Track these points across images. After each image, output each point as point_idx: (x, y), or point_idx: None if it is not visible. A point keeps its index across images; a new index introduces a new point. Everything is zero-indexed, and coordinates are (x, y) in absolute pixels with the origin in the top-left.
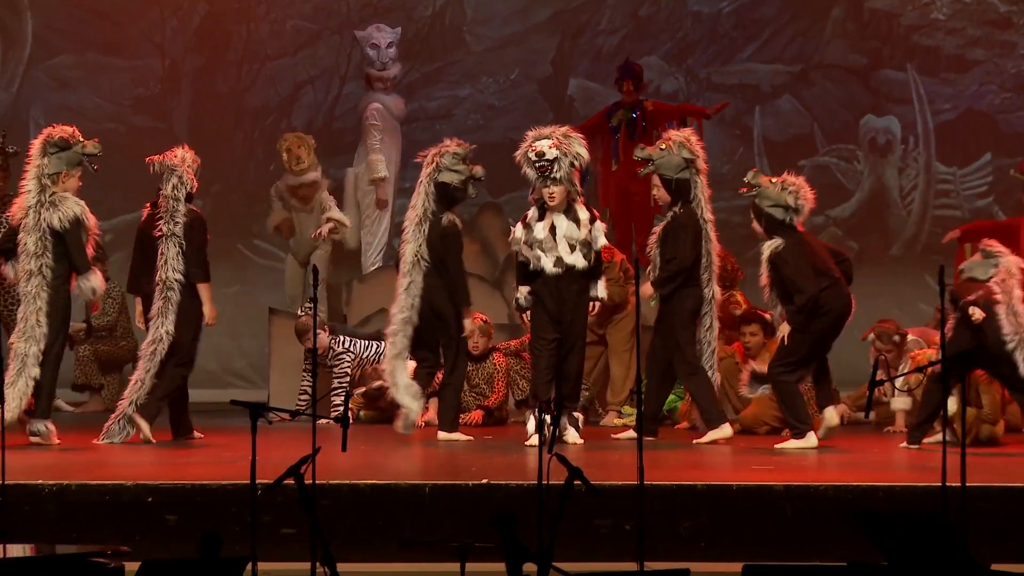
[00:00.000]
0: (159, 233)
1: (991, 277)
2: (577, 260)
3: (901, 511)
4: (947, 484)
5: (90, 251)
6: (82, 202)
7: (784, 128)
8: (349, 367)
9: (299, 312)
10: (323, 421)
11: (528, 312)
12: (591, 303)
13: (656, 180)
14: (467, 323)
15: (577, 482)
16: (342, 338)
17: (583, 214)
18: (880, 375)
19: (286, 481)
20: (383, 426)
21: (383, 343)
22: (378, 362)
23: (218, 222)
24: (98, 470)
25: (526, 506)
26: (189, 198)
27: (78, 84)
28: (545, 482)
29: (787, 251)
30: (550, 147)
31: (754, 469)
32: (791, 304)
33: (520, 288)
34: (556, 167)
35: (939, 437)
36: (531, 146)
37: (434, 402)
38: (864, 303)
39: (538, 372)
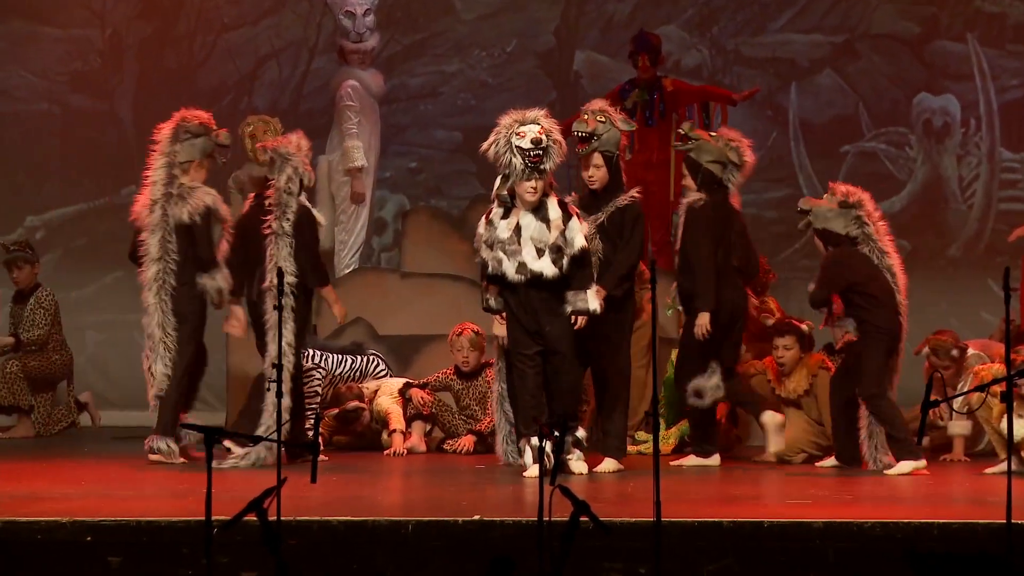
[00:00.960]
0: (268, 231)
1: None
2: (545, 267)
3: (959, 552)
4: (1012, 521)
5: (224, 248)
6: (213, 191)
7: (824, 108)
8: (320, 385)
9: None
10: (288, 449)
11: (500, 314)
12: (573, 317)
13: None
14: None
15: (584, 518)
16: (310, 352)
17: (554, 212)
18: (935, 395)
19: (246, 517)
20: (359, 453)
21: (359, 358)
22: (354, 379)
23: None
24: (29, 505)
25: (524, 547)
26: (301, 191)
27: (2, 58)
28: (547, 519)
29: (706, 210)
30: (540, 133)
31: (789, 503)
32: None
33: (489, 287)
34: (547, 158)
35: (1003, 467)
36: (518, 132)
37: (417, 426)
38: (918, 312)
39: (525, 394)
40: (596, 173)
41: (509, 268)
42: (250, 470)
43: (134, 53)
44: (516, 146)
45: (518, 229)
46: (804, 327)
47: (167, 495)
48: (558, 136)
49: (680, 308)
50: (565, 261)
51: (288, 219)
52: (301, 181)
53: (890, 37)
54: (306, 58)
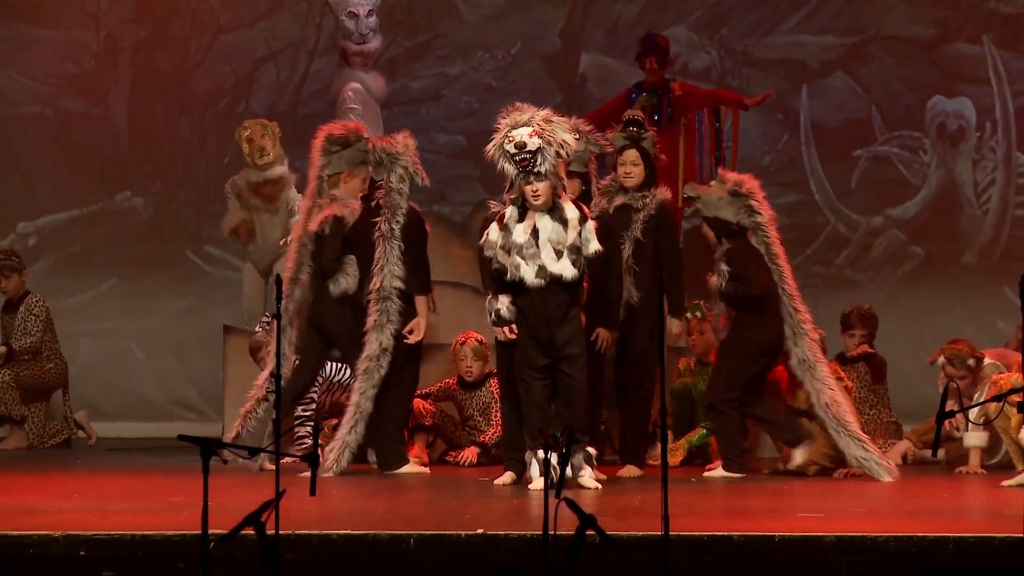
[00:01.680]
0: (378, 233)
1: None
2: (564, 269)
3: (976, 567)
4: None
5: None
6: (354, 203)
7: (836, 112)
8: (316, 394)
9: (256, 329)
10: (287, 459)
11: (510, 325)
12: (596, 332)
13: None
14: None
15: (590, 532)
16: None
17: (571, 212)
18: (950, 405)
19: (244, 531)
20: (359, 466)
21: None
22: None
23: (162, 226)
24: (21, 518)
25: (529, 561)
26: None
27: None
28: (552, 532)
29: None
30: (531, 135)
31: (800, 517)
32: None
33: (500, 297)
34: (539, 159)
35: (1021, 479)
36: (507, 136)
37: (419, 437)
38: (931, 320)
39: (531, 406)
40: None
41: (528, 272)
42: (232, 483)
43: (128, 56)
44: (506, 151)
45: (535, 232)
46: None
47: (163, 508)
48: (558, 136)
49: (697, 315)
50: (583, 263)
51: (398, 221)
52: (412, 181)
53: (904, 39)
54: (305, 60)
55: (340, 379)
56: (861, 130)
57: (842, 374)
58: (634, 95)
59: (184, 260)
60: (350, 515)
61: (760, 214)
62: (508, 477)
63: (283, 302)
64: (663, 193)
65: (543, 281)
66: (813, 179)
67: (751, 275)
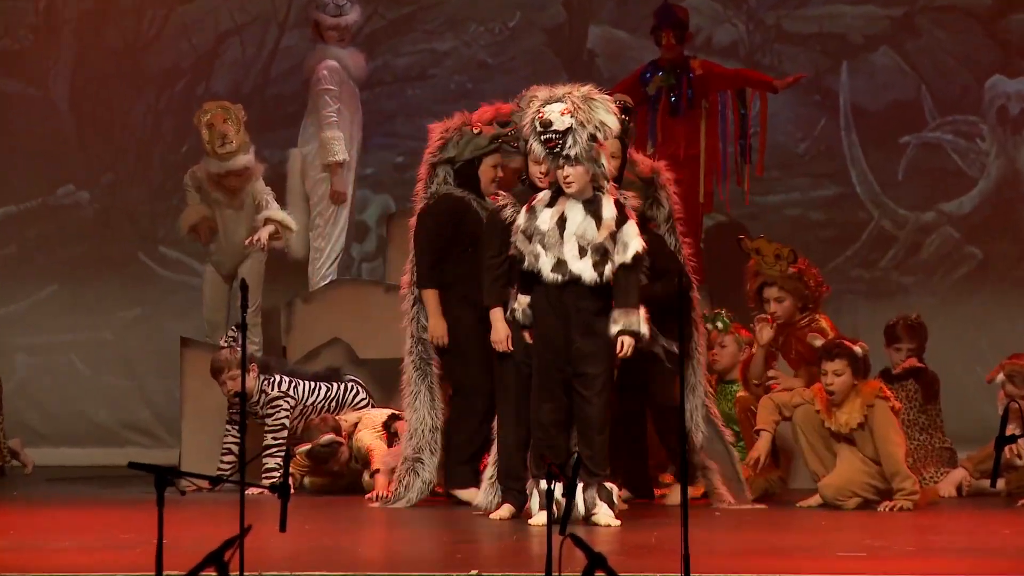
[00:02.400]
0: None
1: None
2: (584, 270)
3: None
4: None
5: None
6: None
7: (880, 92)
8: (287, 417)
9: (221, 343)
10: (254, 491)
11: (528, 329)
12: (618, 339)
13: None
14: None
15: (599, 573)
16: (277, 378)
17: (608, 210)
18: (1011, 429)
19: (204, 572)
20: (335, 497)
21: (336, 385)
22: (329, 409)
23: (111, 223)
24: None
25: None
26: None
27: None
28: (556, 574)
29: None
30: (562, 113)
31: (840, 556)
32: None
33: (520, 297)
34: (569, 142)
35: None
36: (538, 112)
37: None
38: (990, 330)
39: (538, 427)
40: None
41: (546, 264)
42: (192, 517)
43: (72, 29)
44: (534, 127)
45: (562, 221)
46: (857, 349)
47: (111, 546)
48: (596, 116)
49: (718, 326)
50: (608, 268)
51: None
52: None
53: (958, 9)
54: (274, 34)
55: (314, 401)
56: (909, 113)
57: (888, 393)
58: (648, 74)
59: (136, 263)
60: (325, 554)
61: (663, 207)
62: (506, 510)
63: (249, 310)
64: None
65: (560, 277)
66: (854, 169)
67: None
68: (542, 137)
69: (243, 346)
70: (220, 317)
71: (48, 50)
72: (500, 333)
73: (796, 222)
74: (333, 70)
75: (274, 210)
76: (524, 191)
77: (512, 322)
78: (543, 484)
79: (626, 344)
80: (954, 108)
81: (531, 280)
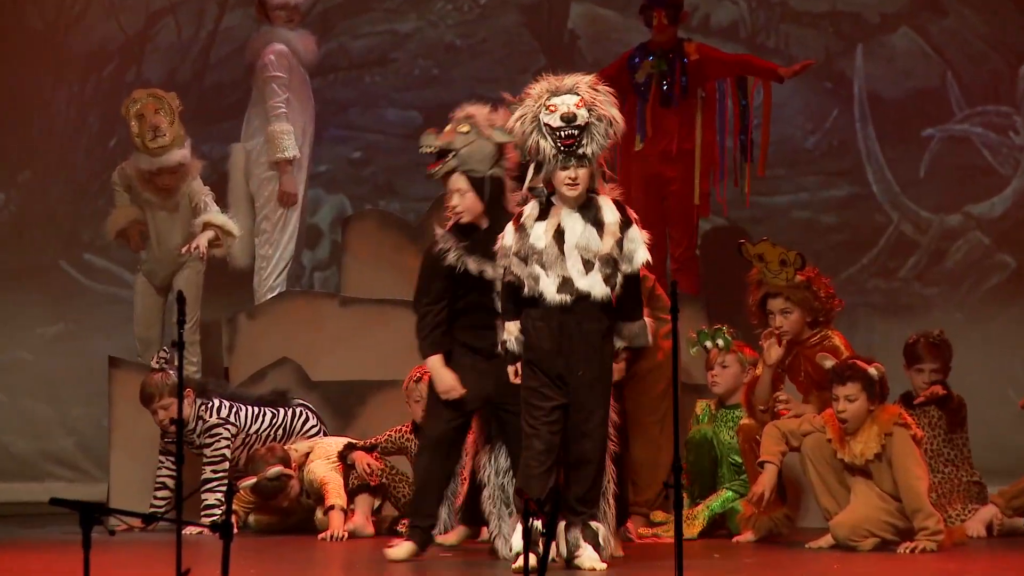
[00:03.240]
0: None
1: None
2: (594, 286)
3: None
4: None
5: None
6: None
7: (900, 79)
8: (228, 447)
9: (152, 364)
10: (192, 530)
11: (516, 364)
12: (618, 354)
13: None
14: None
15: None
16: (216, 403)
17: (609, 214)
18: None
19: None
20: (284, 537)
21: (282, 410)
22: (275, 438)
23: (29, 228)
24: None
25: None
26: None
27: None
28: None
29: None
30: (578, 105)
31: None
32: None
33: (508, 325)
34: (586, 139)
35: None
36: (548, 105)
37: (362, 501)
38: (1022, 350)
39: (530, 457)
40: (460, 201)
41: (548, 286)
42: (122, 559)
43: None
44: (544, 123)
45: (559, 234)
46: (872, 371)
47: None
48: (607, 110)
49: (718, 343)
50: (619, 280)
51: None
52: None
53: None
54: (214, 14)
55: (258, 429)
56: (933, 103)
57: (908, 420)
58: (637, 59)
59: (57, 272)
60: None
61: None
62: (404, 549)
63: (186, 326)
64: None
65: (568, 297)
66: (871, 166)
67: None
68: (562, 134)
69: (179, 368)
70: (154, 334)
71: None
72: (447, 382)
73: (805, 226)
74: (281, 55)
75: (214, 213)
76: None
77: (504, 355)
78: (519, 525)
79: (620, 359)
80: (984, 97)
81: (526, 304)
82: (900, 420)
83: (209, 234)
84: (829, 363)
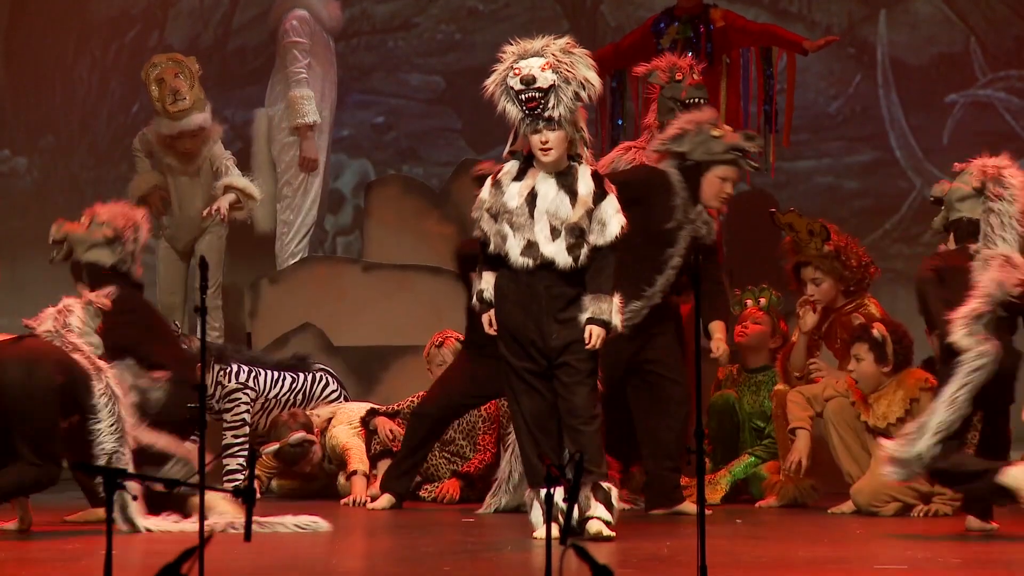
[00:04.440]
0: None
1: None
2: (558, 253)
3: None
4: None
5: None
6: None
7: (924, 45)
8: (248, 412)
9: (172, 329)
10: (215, 494)
11: (490, 312)
12: (587, 328)
13: None
14: None
15: None
16: (234, 368)
17: (584, 185)
18: None
19: None
20: (307, 502)
21: (303, 375)
22: (296, 403)
23: (52, 193)
24: None
25: None
26: None
27: None
28: None
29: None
30: (543, 68)
31: (878, 570)
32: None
33: (484, 274)
34: (553, 101)
35: None
36: (513, 68)
37: (384, 466)
38: None
39: (521, 430)
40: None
41: (514, 247)
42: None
43: None
44: (509, 87)
45: (532, 197)
46: (875, 332)
47: (54, 558)
48: (579, 71)
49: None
50: (584, 251)
51: None
52: None
53: None
54: None
55: (277, 394)
56: (956, 69)
57: (935, 384)
58: (663, 24)
59: None
60: (294, 567)
61: None
62: (384, 500)
63: (208, 292)
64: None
65: (531, 262)
66: (894, 132)
67: None
68: (522, 96)
69: (202, 333)
70: (177, 299)
71: None
72: None
73: (828, 191)
74: (303, 20)
75: (235, 176)
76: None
77: (481, 302)
78: (542, 491)
79: (595, 335)
80: (1008, 63)
81: (496, 263)
82: (926, 385)
83: (230, 197)
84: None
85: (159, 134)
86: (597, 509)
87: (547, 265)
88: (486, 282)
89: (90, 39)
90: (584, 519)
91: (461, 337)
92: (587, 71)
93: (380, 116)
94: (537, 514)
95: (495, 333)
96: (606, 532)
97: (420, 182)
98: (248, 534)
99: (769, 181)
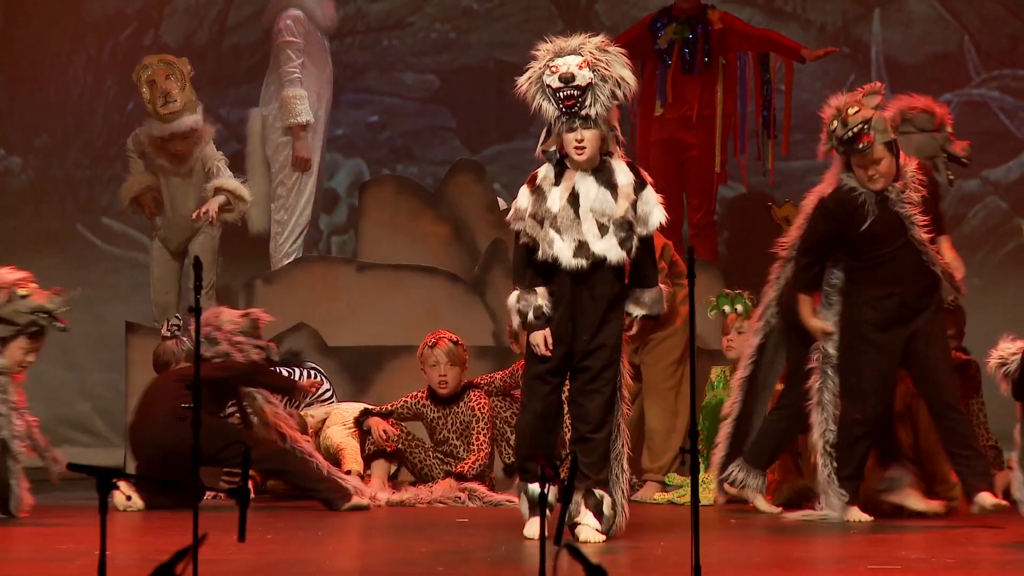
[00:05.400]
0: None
1: None
2: (610, 249)
3: None
4: None
5: None
6: None
7: (918, 44)
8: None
9: (163, 332)
10: (209, 495)
11: (545, 330)
12: (629, 320)
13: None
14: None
15: None
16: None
17: (622, 176)
18: None
19: None
20: (300, 503)
21: (295, 372)
22: (293, 404)
23: (46, 192)
24: None
25: None
26: None
27: None
28: None
29: None
30: (580, 66)
31: (872, 570)
32: None
33: (523, 295)
34: (590, 99)
35: None
36: (549, 66)
37: (378, 466)
38: None
39: (527, 422)
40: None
41: (564, 250)
42: (139, 525)
43: None
44: (546, 85)
45: (574, 198)
46: None
47: (48, 558)
48: (615, 70)
49: (736, 309)
50: (634, 243)
51: None
52: None
53: None
54: None
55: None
56: (951, 68)
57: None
58: (660, 24)
59: (74, 237)
60: (289, 567)
61: None
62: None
63: (202, 291)
64: None
65: (584, 262)
66: None
67: None
68: (561, 94)
69: (197, 333)
70: (170, 299)
71: None
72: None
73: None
74: (297, 20)
75: (225, 178)
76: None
77: (540, 319)
78: (534, 487)
79: (636, 325)
80: (1002, 62)
81: (542, 270)
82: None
83: (220, 199)
84: None
85: (150, 135)
86: (585, 516)
87: (597, 264)
88: (542, 298)
89: (85, 38)
90: (573, 524)
91: (454, 337)
92: (623, 69)
93: (375, 115)
94: (526, 506)
95: (550, 354)
96: (595, 537)
97: (415, 182)
98: (242, 535)
99: (763, 180)
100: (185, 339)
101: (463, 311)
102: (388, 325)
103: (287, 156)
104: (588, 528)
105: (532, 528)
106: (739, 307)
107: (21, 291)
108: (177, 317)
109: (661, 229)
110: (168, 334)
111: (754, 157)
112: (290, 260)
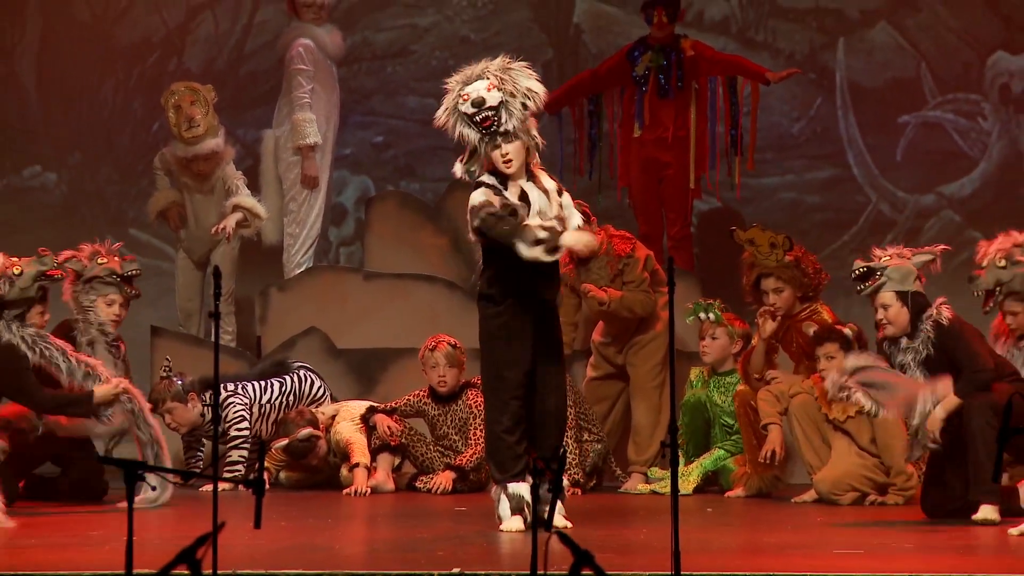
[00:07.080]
0: None
1: None
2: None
3: None
4: None
5: None
6: None
7: (879, 70)
8: (244, 409)
9: (159, 373)
10: (227, 486)
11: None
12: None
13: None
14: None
15: (586, 571)
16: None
17: (549, 182)
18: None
19: (175, 570)
20: (313, 492)
21: (288, 378)
22: (288, 405)
23: (78, 206)
24: None
25: None
26: None
27: None
28: (541, 572)
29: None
30: (488, 89)
31: (837, 554)
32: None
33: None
34: (504, 115)
35: None
36: (460, 95)
37: (383, 459)
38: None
39: (499, 428)
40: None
41: (522, 246)
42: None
43: (38, 1)
44: (462, 112)
45: (524, 198)
46: (847, 331)
47: (79, 543)
48: (521, 84)
49: (709, 317)
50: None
51: None
52: None
53: None
54: (249, 9)
55: (270, 399)
56: (909, 92)
57: None
58: (637, 53)
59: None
60: (302, 551)
61: None
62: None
63: (221, 299)
64: None
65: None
66: (851, 151)
67: None
68: (477, 118)
69: (216, 335)
70: (194, 305)
71: (13, 24)
72: None
73: (790, 206)
74: (308, 49)
75: (243, 196)
76: None
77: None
78: (514, 488)
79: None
80: (955, 86)
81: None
82: None
83: (237, 215)
84: (811, 329)
85: (175, 156)
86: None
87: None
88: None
89: (114, 63)
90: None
91: (453, 341)
92: (528, 81)
93: (380, 136)
94: (505, 507)
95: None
96: (565, 523)
97: (416, 197)
98: (258, 522)
99: (735, 197)
100: (175, 380)
101: (461, 316)
102: (392, 329)
103: (297, 174)
104: (558, 514)
105: (510, 523)
106: (711, 315)
107: (14, 270)
108: (167, 359)
109: (643, 240)
110: (163, 374)
111: (725, 173)
112: (302, 270)
